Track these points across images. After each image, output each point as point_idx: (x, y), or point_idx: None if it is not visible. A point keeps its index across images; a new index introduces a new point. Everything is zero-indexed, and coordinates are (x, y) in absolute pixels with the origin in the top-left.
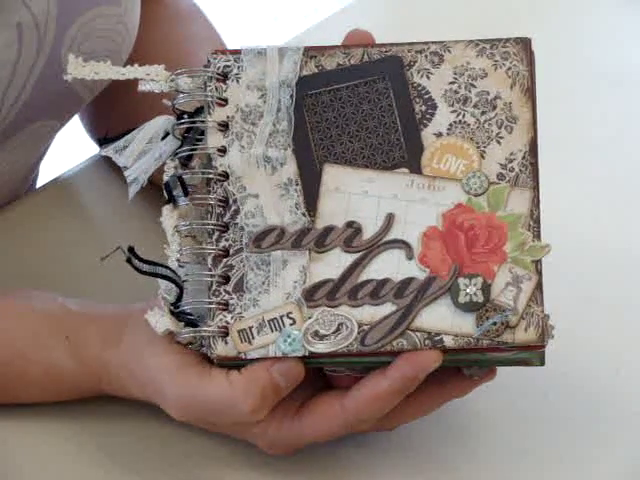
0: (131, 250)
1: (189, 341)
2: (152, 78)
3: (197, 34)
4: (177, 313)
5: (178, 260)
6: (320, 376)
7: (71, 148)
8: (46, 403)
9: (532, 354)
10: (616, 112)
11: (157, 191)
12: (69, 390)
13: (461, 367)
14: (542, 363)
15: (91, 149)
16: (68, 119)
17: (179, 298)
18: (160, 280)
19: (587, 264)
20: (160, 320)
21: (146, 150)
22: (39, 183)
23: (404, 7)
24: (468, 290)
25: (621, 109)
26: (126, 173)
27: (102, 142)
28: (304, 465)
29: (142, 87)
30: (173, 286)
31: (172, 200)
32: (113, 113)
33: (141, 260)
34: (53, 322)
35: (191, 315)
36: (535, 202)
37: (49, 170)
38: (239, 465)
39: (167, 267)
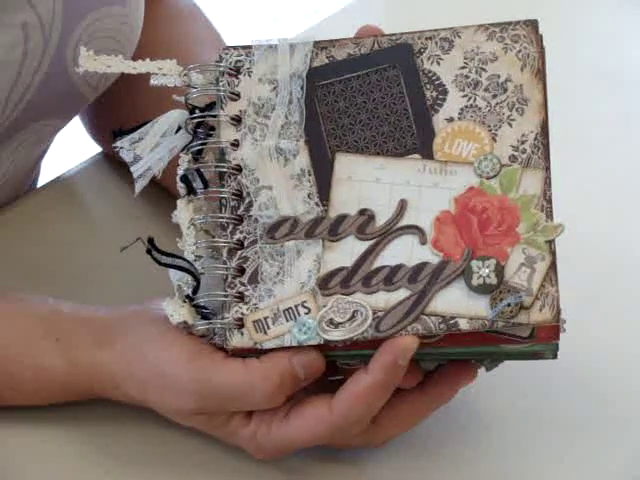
0: (151, 242)
1: (203, 333)
2: (164, 72)
3: (199, 34)
4: (193, 305)
5: (193, 253)
6: (314, 381)
7: (72, 147)
8: (35, 405)
9: (546, 346)
10: (615, 112)
11: (158, 190)
12: (60, 392)
13: (476, 361)
14: (555, 356)
15: (92, 148)
16: (71, 118)
17: (195, 290)
18: (173, 272)
19: (587, 264)
20: (178, 310)
21: (160, 143)
22: (40, 182)
23: (404, 7)
24: (481, 272)
25: (620, 109)
26: (133, 168)
27: (116, 134)
28: (303, 465)
29: (154, 81)
30: (188, 278)
31: (192, 192)
32: (114, 113)
33: (160, 252)
34: (44, 324)
35: (206, 308)
36: (547, 182)
37: (50, 169)
38: (238, 465)
39: (185, 259)
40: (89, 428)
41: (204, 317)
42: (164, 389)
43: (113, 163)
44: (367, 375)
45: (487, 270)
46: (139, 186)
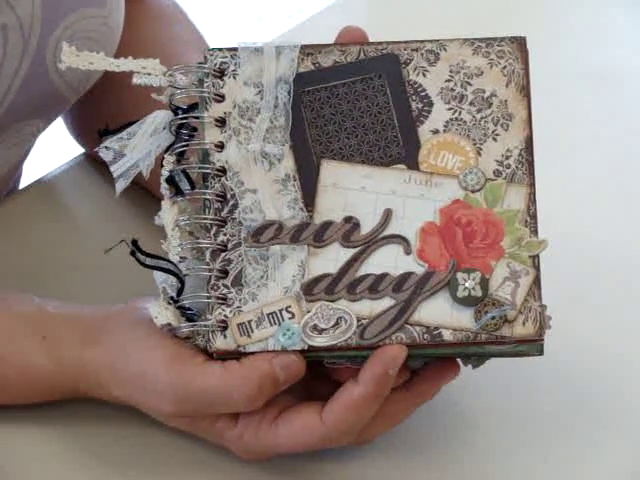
0: (135, 243)
1: (187, 335)
2: (148, 72)
3: (181, 35)
4: (178, 307)
5: (178, 255)
6: (302, 385)
7: (54, 149)
8: (28, 405)
9: (530, 347)
10: (599, 112)
11: (140, 191)
12: (45, 391)
13: (462, 359)
14: (541, 353)
15: (74, 150)
16: (53, 120)
17: (180, 292)
18: (158, 274)
19: (576, 263)
20: (162, 312)
21: (144, 143)
22: (22, 184)
23: (387, 7)
24: (467, 284)
25: (604, 109)
26: (112, 167)
27: (102, 134)
28: (297, 465)
29: (137, 80)
30: (173, 280)
31: (178, 193)
32: (97, 113)
33: (144, 254)
34: (29, 323)
35: (190, 310)
36: (532, 198)
37: (32, 171)
38: (224, 465)
39: (169, 261)
40: (73, 429)
41: (189, 319)
42: (146, 390)
43: (95, 164)
44: (359, 386)
45: (472, 282)
46: (119, 186)
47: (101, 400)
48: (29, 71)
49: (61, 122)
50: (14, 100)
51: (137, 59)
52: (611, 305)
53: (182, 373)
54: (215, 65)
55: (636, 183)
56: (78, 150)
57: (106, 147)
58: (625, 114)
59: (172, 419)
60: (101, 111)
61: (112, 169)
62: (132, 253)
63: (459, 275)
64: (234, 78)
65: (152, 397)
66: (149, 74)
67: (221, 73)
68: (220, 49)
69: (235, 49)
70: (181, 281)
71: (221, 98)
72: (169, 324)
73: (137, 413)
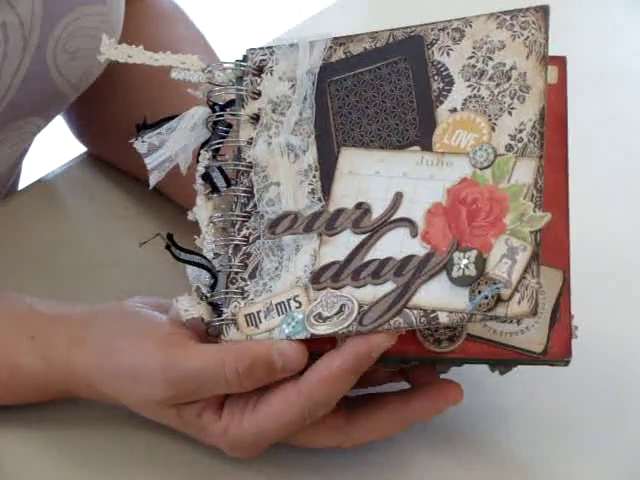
0: (170, 238)
1: (219, 332)
2: (187, 67)
3: (183, 34)
4: (209, 302)
5: (212, 251)
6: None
7: (55, 148)
8: (28, 406)
9: (557, 361)
10: (600, 111)
11: (142, 189)
12: (35, 391)
13: (490, 366)
14: (566, 364)
15: (75, 149)
16: (53, 118)
17: (213, 287)
18: (190, 269)
19: (575, 263)
20: (195, 307)
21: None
22: (22, 184)
23: (387, 7)
24: (461, 264)
25: (605, 109)
26: (147, 160)
27: (140, 128)
28: (293, 465)
29: (175, 75)
30: (206, 276)
31: (215, 190)
32: (100, 112)
33: (179, 248)
34: (19, 322)
35: (219, 304)
36: (540, 171)
37: (33, 170)
38: (216, 463)
39: (203, 256)
40: (80, 429)
41: (219, 315)
42: (135, 381)
43: (97, 163)
44: (338, 357)
45: (466, 261)
46: (153, 178)
47: (91, 401)
48: (29, 69)
49: (62, 121)
50: (14, 98)
51: (176, 54)
52: (611, 305)
53: (174, 355)
54: (255, 63)
55: (636, 183)
56: (79, 149)
57: (141, 139)
58: (625, 114)
59: (160, 412)
60: (104, 110)
61: (146, 161)
62: (167, 247)
63: (455, 255)
64: (271, 74)
65: (143, 386)
66: (188, 70)
67: (260, 71)
68: (260, 47)
69: (272, 47)
70: (214, 276)
71: (257, 95)
72: (201, 318)
73: (136, 414)
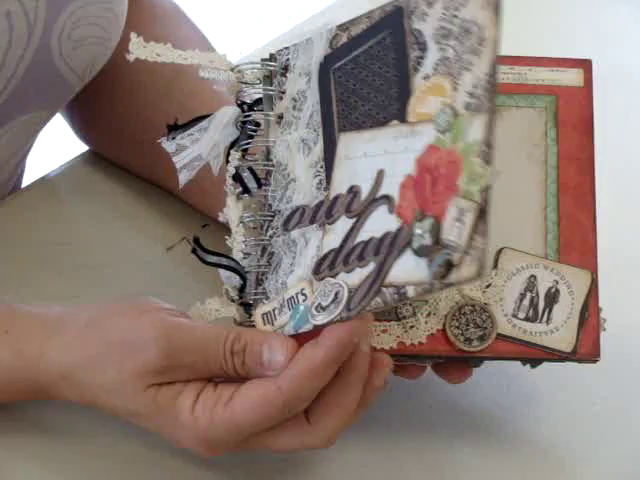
0: (196, 241)
1: None
2: (216, 66)
3: (185, 34)
4: (240, 303)
5: (242, 251)
6: None
7: (58, 147)
8: (28, 406)
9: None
10: (600, 112)
11: (145, 188)
12: (5, 386)
13: (521, 361)
14: (594, 362)
15: (77, 148)
16: (57, 110)
17: (242, 288)
18: (222, 271)
19: None
20: (226, 307)
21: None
22: (25, 182)
23: None
24: (419, 234)
25: (605, 109)
26: (175, 159)
27: (171, 128)
28: (288, 464)
29: (204, 74)
30: (234, 277)
31: (246, 191)
32: (103, 110)
33: (206, 251)
34: None
35: (251, 304)
36: (491, 125)
37: (35, 169)
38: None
39: (231, 258)
40: (80, 429)
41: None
42: (125, 355)
43: (99, 162)
44: (320, 350)
45: (421, 231)
46: (183, 177)
47: (64, 399)
48: (34, 58)
49: (62, 121)
50: (18, 86)
51: (204, 52)
52: (611, 305)
53: (175, 326)
54: (281, 64)
55: (636, 183)
56: (81, 148)
57: (173, 138)
58: (625, 114)
59: (134, 396)
60: (108, 108)
61: (175, 160)
62: (194, 251)
63: (416, 225)
64: (293, 72)
65: (133, 359)
66: (217, 69)
67: (286, 70)
68: (285, 47)
69: (296, 44)
70: (243, 278)
71: (283, 94)
72: (234, 319)
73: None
